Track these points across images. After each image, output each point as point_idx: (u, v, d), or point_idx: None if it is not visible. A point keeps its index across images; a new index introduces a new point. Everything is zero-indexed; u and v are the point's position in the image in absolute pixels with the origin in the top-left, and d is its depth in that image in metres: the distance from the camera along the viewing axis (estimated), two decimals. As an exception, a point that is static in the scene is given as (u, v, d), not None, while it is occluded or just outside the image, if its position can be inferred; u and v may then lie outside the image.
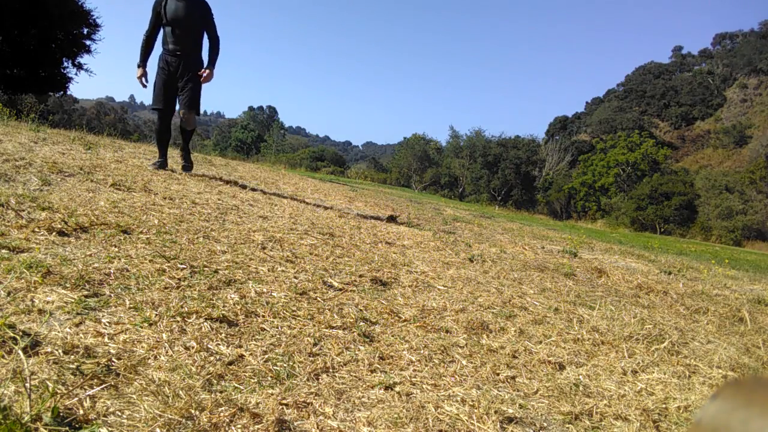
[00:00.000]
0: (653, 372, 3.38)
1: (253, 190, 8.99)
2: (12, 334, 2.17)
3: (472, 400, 2.48)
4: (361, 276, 4.63)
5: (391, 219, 9.83)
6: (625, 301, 5.60)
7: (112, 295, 2.95)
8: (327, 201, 10.83)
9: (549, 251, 9.08)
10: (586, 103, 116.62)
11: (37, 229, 3.81)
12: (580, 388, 2.93)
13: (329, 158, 72.87)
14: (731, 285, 8.32)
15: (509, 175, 55.83)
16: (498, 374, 2.94)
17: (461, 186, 60.29)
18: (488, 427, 2.23)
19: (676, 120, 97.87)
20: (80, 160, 7.43)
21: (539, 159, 62.01)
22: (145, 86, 8.08)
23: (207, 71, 8.18)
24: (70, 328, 2.44)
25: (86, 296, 2.84)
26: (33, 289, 2.76)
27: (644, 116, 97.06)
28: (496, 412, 2.39)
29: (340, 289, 4.11)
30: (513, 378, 2.92)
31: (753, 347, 4.43)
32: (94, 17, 20.78)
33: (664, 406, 2.84)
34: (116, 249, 3.78)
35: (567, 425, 2.45)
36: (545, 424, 2.42)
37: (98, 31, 21.04)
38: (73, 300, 2.74)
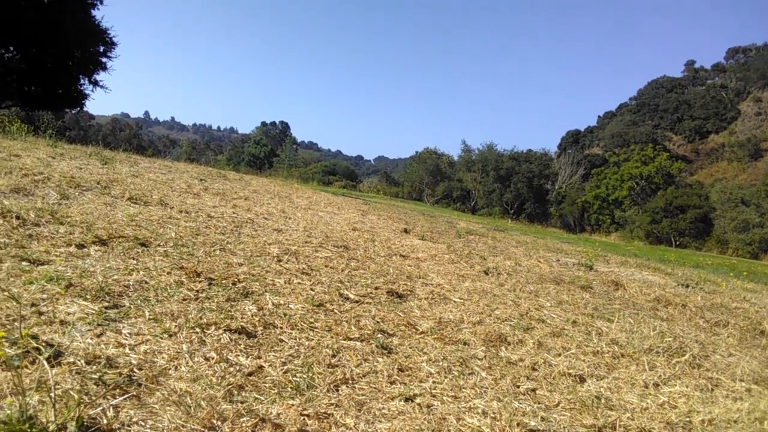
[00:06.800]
0: (675, 385, 3.32)
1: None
2: (35, 345, 2.19)
3: (494, 413, 2.46)
4: (377, 288, 4.62)
5: (405, 232, 9.83)
6: (643, 314, 5.53)
7: (132, 306, 2.97)
8: (340, 214, 10.86)
9: (564, 264, 9.00)
10: (598, 117, 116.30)
11: (56, 242, 3.85)
12: (602, 400, 2.89)
13: (341, 172, 73.08)
14: (750, 298, 8.19)
15: (522, 188, 55.57)
16: (518, 386, 2.91)
17: (474, 199, 60.14)
18: (511, 440, 2.20)
19: (690, 134, 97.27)
20: (97, 174, 7.53)
21: (552, 173, 61.82)
22: None
23: None
24: (91, 338, 2.45)
25: (107, 307, 2.86)
26: (55, 300, 2.79)
27: (657, 130, 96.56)
28: (518, 424, 2.37)
29: (357, 301, 4.11)
30: (533, 390, 2.89)
31: (776, 360, 4.35)
32: (110, 35, 21.13)
33: (687, 419, 2.79)
34: (134, 261, 3.81)
35: (591, 438, 2.42)
36: (568, 437, 2.39)
37: (114, 48, 21.41)
38: (93, 311, 2.76)
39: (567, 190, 61.38)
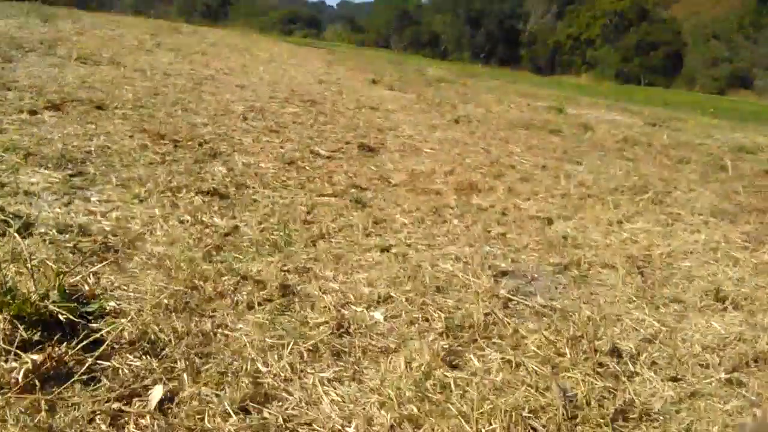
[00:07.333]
0: (638, 222, 3.49)
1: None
2: (2, 217, 2.14)
3: (466, 257, 2.57)
4: (347, 143, 4.57)
5: (373, 83, 9.54)
6: (610, 155, 5.66)
7: (97, 173, 2.89)
8: (305, 66, 10.41)
9: (535, 108, 8.98)
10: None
11: (6, 110, 3.64)
12: (569, 240, 3.03)
13: (303, 20, 68.79)
14: (714, 134, 8.40)
15: (493, 30, 53.63)
16: (489, 231, 3.02)
17: (443, 45, 58.07)
18: (483, 281, 2.32)
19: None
20: (39, 33, 6.96)
21: (524, 12, 59.36)
22: None
23: None
24: (59, 208, 2.41)
25: (71, 175, 2.79)
26: (15, 171, 2.69)
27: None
28: (489, 267, 2.49)
29: (328, 157, 4.08)
30: (504, 234, 3.01)
31: (733, 193, 4.57)
32: None
33: (647, 252, 2.97)
34: (93, 126, 3.65)
35: (557, 275, 2.57)
36: (536, 275, 2.53)
37: None
38: (58, 180, 2.69)
39: (539, 31, 59.35)
